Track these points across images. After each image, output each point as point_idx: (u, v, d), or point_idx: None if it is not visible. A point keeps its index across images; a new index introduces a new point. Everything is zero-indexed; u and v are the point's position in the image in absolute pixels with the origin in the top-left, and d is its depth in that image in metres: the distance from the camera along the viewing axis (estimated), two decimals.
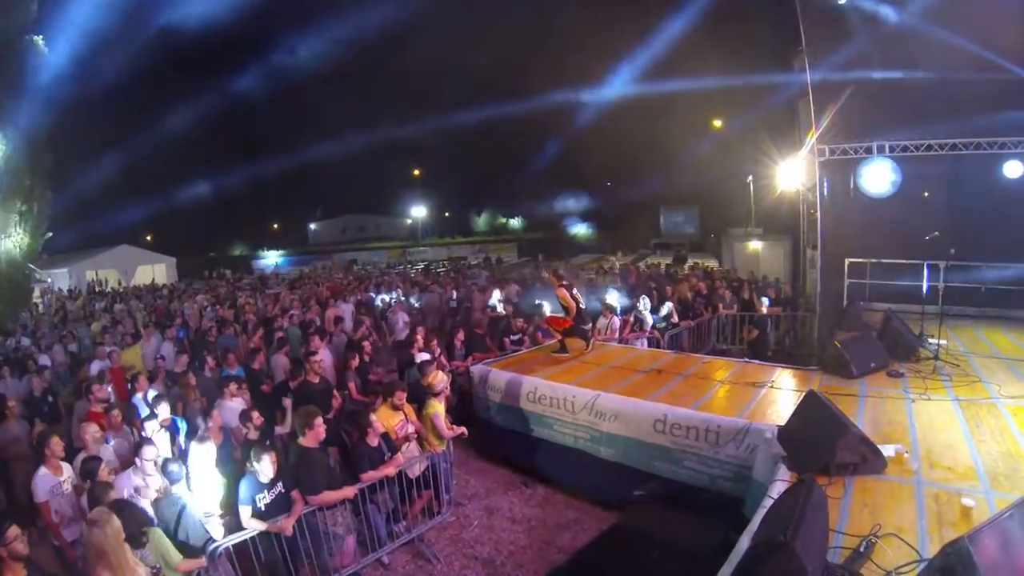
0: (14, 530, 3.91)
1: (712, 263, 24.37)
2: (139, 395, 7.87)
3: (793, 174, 14.71)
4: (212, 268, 44.53)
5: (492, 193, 64.33)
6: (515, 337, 10.81)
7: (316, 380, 7.90)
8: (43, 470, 5.49)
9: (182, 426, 7.06)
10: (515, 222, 68.86)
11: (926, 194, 12.83)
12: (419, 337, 9.36)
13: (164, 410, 6.85)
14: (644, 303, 11.42)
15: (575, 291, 9.45)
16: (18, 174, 19.01)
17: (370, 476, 5.84)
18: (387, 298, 17.01)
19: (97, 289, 31.15)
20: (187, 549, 4.71)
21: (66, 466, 5.64)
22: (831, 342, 8.43)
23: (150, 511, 5.00)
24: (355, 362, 8.72)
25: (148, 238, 51.23)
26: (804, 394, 5.64)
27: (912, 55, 11.35)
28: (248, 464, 5.33)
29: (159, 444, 6.02)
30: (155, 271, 38.72)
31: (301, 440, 5.53)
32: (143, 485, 5.25)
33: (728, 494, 6.00)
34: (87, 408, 7.30)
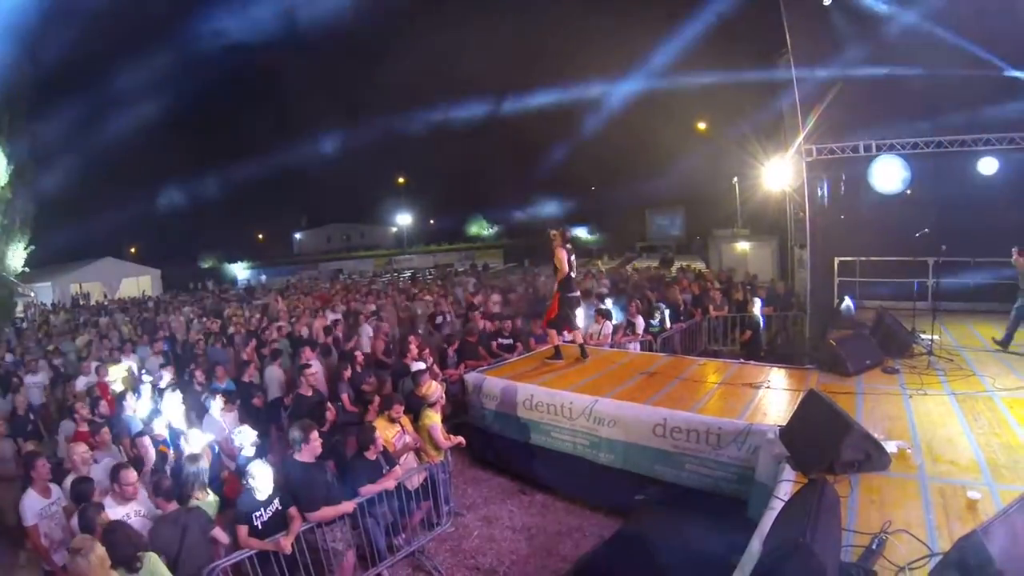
0: None
1: (699, 265, 24.42)
2: (129, 412, 7.71)
3: (779, 175, 14.76)
4: (198, 280, 44.17)
5: (477, 200, 64.27)
6: (505, 341, 10.74)
7: (310, 393, 7.82)
8: (31, 492, 5.34)
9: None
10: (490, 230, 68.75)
11: (909, 192, 12.92)
12: (413, 346, 9.28)
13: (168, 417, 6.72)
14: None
15: (572, 258, 9.22)
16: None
17: (369, 490, 5.74)
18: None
19: (81, 303, 30.79)
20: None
21: (55, 487, 5.50)
22: (825, 341, 8.45)
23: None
24: (347, 373, 8.62)
25: (132, 250, 50.83)
26: (805, 393, 5.64)
27: (898, 53, 11.41)
28: (244, 481, 5.23)
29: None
30: (140, 283, 38.34)
31: (297, 455, 5.41)
32: (125, 514, 5.02)
33: (731, 496, 5.97)
34: (73, 428, 7.16)
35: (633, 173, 45.25)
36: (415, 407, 7.00)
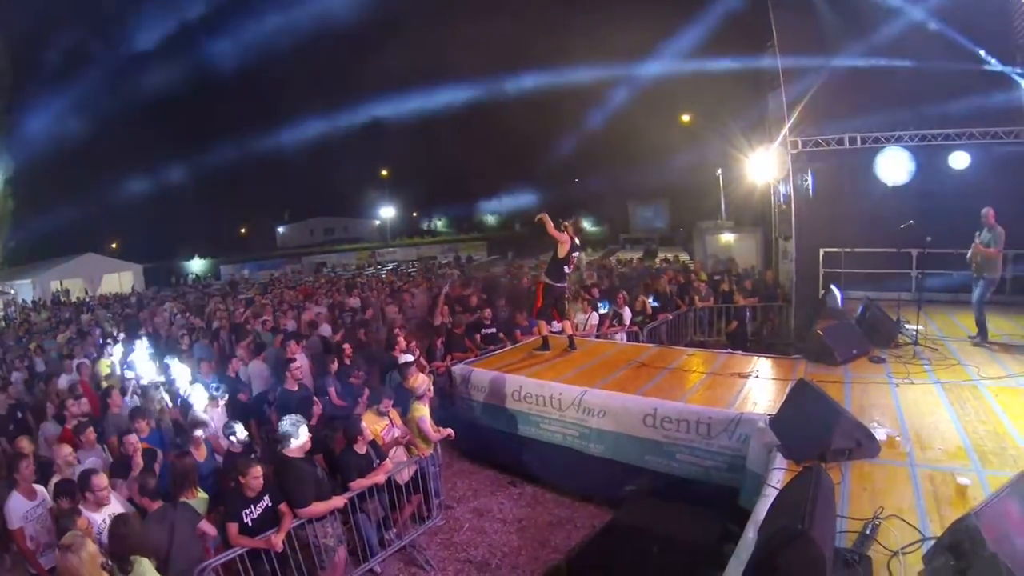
0: None
1: (683, 256, 24.47)
2: (115, 410, 7.60)
3: (764, 166, 14.82)
4: (179, 275, 43.84)
5: (457, 191, 64.03)
6: (488, 332, 10.71)
7: (295, 388, 7.76)
8: (15, 495, 5.23)
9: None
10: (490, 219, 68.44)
11: (889, 184, 13.03)
12: (400, 338, 9.23)
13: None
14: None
15: (575, 254, 9.05)
16: None
17: (359, 484, 5.71)
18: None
19: (62, 299, 30.42)
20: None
21: (40, 489, 5.38)
22: (812, 331, 8.50)
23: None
24: (334, 366, 8.56)
25: (113, 246, 50.24)
26: (795, 382, 5.70)
27: (884, 45, 11.49)
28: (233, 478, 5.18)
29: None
30: (121, 279, 37.93)
31: (286, 451, 5.35)
32: (102, 520, 4.85)
33: (722, 485, 5.99)
34: (54, 429, 7.05)
35: (617, 165, 45.33)
36: (403, 400, 6.97)
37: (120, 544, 4.08)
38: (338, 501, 5.46)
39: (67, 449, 5.69)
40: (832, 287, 11.10)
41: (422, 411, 6.76)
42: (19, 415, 8.56)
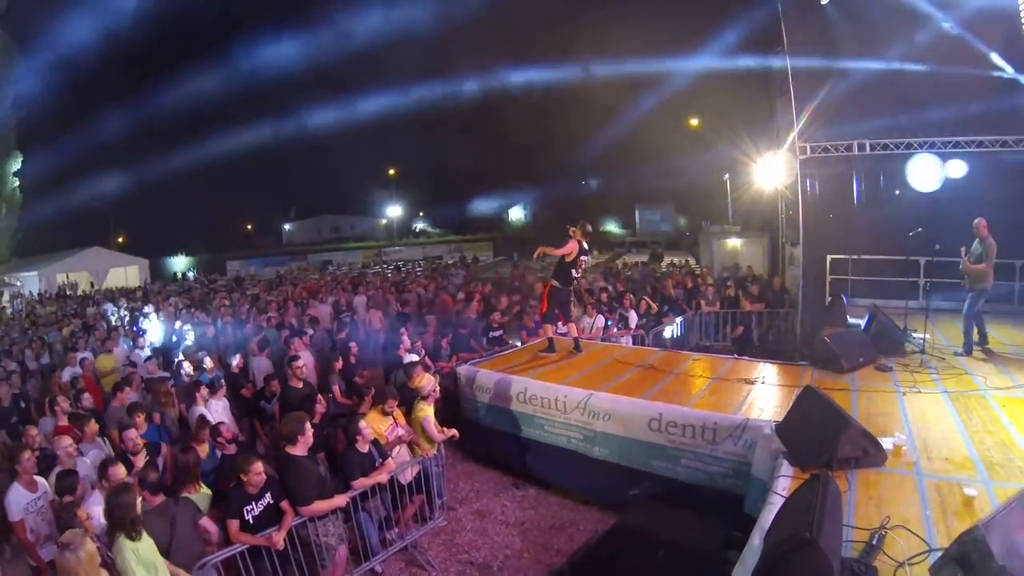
0: None
1: (691, 261, 24.45)
2: (117, 404, 7.60)
3: (772, 172, 14.78)
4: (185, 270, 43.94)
5: (462, 192, 64.02)
6: (495, 334, 10.70)
7: (299, 385, 7.74)
8: (16, 486, 5.24)
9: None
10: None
11: (897, 192, 12.98)
12: (405, 337, 9.22)
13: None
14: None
15: (583, 257, 9.02)
16: None
17: (362, 483, 5.68)
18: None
19: (68, 293, 30.49)
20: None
21: (41, 481, 5.41)
22: (818, 337, 8.46)
23: None
24: (339, 364, 8.55)
25: (120, 240, 50.38)
26: (801, 389, 5.66)
27: (895, 52, 11.45)
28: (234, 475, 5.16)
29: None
30: (127, 273, 38.00)
31: (290, 448, 5.31)
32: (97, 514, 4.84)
33: (727, 491, 5.96)
34: (52, 423, 7.05)
35: (623, 167, 45.26)
36: (408, 399, 6.96)
37: (123, 511, 4.08)
38: (340, 500, 5.42)
39: (67, 440, 5.71)
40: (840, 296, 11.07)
41: (427, 411, 6.73)
42: (22, 405, 8.55)
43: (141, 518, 4.21)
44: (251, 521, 4.96)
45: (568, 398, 7.31)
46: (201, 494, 5.38)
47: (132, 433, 5.96)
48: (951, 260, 8.71)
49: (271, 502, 5.11)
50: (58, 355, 11.97)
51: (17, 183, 19.98)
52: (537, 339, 10.01)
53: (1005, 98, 11.17)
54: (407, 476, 6.29)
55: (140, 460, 5.73)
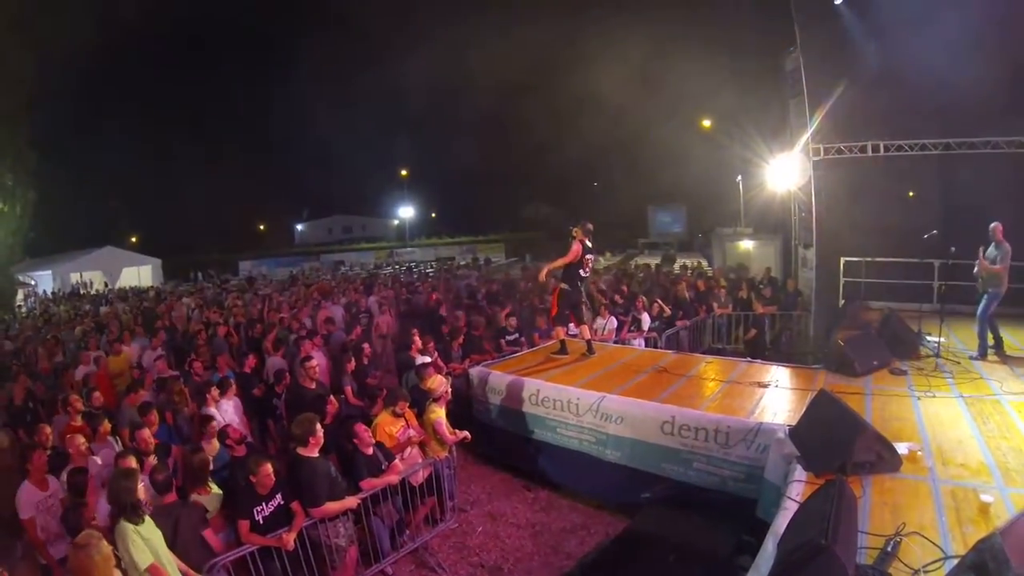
0: None
1: (703, 262, 24.34)
2: (130, 404, 7.63)
3: (785, 173, 14.70)
4: (198, 270, 44.13)
5: (480, 195, 64.22)
6: (511, 337, 10.68)
7: (312, 386, 7.75)
8: (27, 485, 5.28)
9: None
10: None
11: (911, 194, 12.89)
12: (416, 339, 9.22)
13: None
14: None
15: (588, 256, 8.97)
16: None
17: (371, 484, 5.68)
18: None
19: (82, 292, 30.73)
20: None
21: (52, 480, 5.44)
22: (832, 340, 8.40)
23: None
24: (351, 365, 8.56)
25: (133, 239, 50.76)
26: (815, 393, 5.62)
27: (908, 53, 11.35)
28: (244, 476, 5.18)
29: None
30: (140, 273, 38.30)
31: (301, 450, 5.32)
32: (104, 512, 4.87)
33: (739, 495, 5.93)
34: (65, 421, 7.09)
35: (637, 170, 45.23)
36: (420, 401, 6.95)
37: (123, 494, 4.12)
38: (351, 502, 5.43)
39: (80, 438, 5.76)
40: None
41: (438, 413, 6.73)
42: (31, 405, 8.60)
43: (143, 502, 4.23)
44: (261, 522, 4.98)
45: (581, 400, 7.28)
46: (212, 494, 5.40)
47: (145, 433, 5.98)
48: (966, 263, 8.63)
49: (281, 503, 5.12)
50: (71, 354, 12.04)
51: (31, 183, 20.11)
52: (549, 341, 9.98)
53: (1020, 99, 11.04)
54: (419, 478, 6.30)
55: (151, 460, 5.75)
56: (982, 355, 8.13)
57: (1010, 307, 8.97)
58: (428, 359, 8.47)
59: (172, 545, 4.53)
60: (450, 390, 7.12)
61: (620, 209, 48.63)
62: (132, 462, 5.16)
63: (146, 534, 4.16)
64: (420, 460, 6.47)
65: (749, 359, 8.85)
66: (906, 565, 3.40)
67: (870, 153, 12.77)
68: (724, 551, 5.08)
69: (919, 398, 6.46)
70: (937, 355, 7.88)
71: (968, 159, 11.85)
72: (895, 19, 11.76)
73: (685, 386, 7.58)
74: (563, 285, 8.98)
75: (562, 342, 9.23)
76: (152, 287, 31.83)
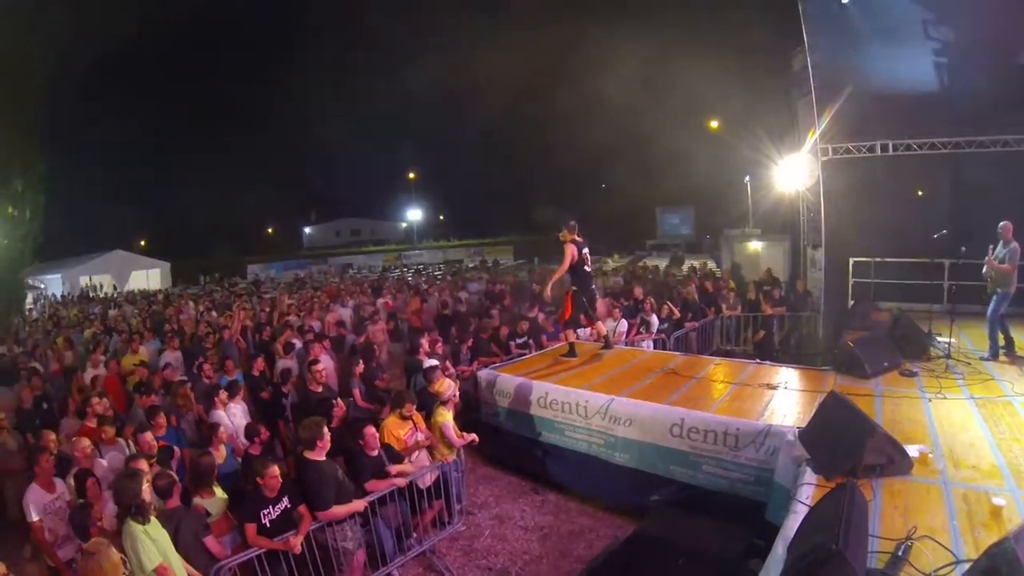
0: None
1: (710, 264, 24.28)
2: (140, 407, 7.64)
3: (793, 174, 14.63)
4: (206, 273, 44.33)
5: (488, 197, 64.28)
6: (520, 340, 10.66)
7: (319, 389, 7.75)
8: (35, 487, 5.30)
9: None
10: None
11: (920, 193, 12.81)
12: (425, 342, 9.21)
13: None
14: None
15: (585, 251, 9.08)
16: (9, 178, 18.81)
17: (376, 486, 5.68)
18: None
19: (91, 295, 30.89)
20: None
21: (59, 482, 5.47)
22: (842, 342, 8.35)
23: None
24: (359, 368, 8.55)
25: (142, 243, 51.06)
26: (826, 395, 5.59)
27: (917, 49, 11.31)
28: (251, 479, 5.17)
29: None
30: (149, 276, 38.51)
31: (308, 453, 5.32)
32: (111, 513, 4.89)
33: (749, 498, 5.89)
34: (74, 425, 7.11)
35: (644, 171, 45.07)
36: (428, 404, 6.94)
37: (127, 496, 4.12)
38: (358, 504, 5.41)
39: (85, 441, 5.78)
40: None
41: (446, 416, 6.71)
42: (45, 407, 8.63)
43: (149, 504, 4.23)
44: (268, 525, 4.97)
45: (589, 403, 7.26)
46: (217, 497, 5.40)
47: (147, 436, 6.01)
48: (976, 263, 8.57)
49: (288, 506, 5.11)
50: (80, 357, 12.08)
51: (41, 187, 20.22)
52: (558, 343, 9.96)
53: None
54: (426, 481, 6.27)
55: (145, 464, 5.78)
56: (993, 356, 8.07)
57: (1021, 307, 8.90)
58: (435, 362, 8.45)
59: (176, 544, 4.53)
60: (458, 393, 7.11)
61: (628, 211, 48.61)
62: (143, 464, 5.18)
63: (154, 535, 4.16)
64: (428, 463, 6.45)
65: (758, 361, 8.81)
66: (917, 569, 3.35)
67: (879, 153, 12.69)
68: (734, 554, 5.04)
69: (930, 400, 6.41)
70: (948, 356, 7.82)
71: (978, 158, 11.73)
72: (903, 17, 11.70)
73: (694, 388, 7.54)
74: (574, 288, 9.00)
75: (571, 345, 9.21)
76: (161, 290, 31.99)
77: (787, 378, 7.70)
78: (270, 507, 5.01)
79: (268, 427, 7.96)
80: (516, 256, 48.92)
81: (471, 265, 37.82)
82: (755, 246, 20.82)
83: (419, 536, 6.26)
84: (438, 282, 23.66)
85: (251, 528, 4.91)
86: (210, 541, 4.93)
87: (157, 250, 45.17)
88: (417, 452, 6.41)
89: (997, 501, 4.03)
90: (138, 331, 13.16)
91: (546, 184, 55.81)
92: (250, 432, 6.33)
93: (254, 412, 7.92)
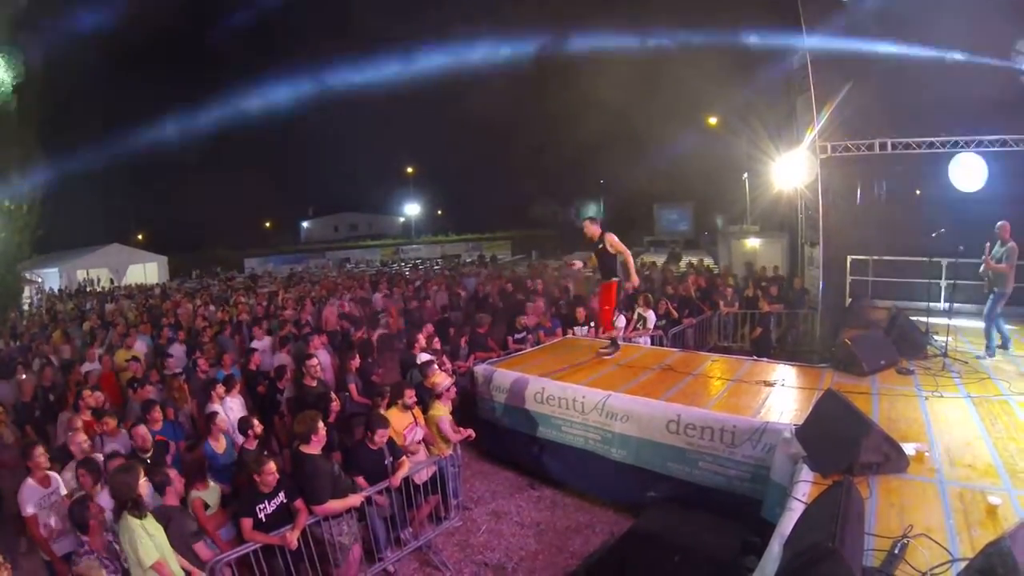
0: None
1: (708, 261, 24.31)
2: (136, 400, 7.64)
3: (791, 171, 14.62)
4: (203, 267, 44.25)
5: (484, 192, 64.11)
6: (519, 335, 10.66)
7: (314, 384, 7.73)
8: (29, 482, 5.27)
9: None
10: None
11: (918, 191, 12.81)
12: (421, 337, 9.19)
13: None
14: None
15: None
16: (7, 171, 18.76)
17: (365, 483, 5.69)
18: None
19: (88, 289, 30.83)
20: None
21: (55, 476, 5.44)
22: (839, 339, 8.35)
23: None
24: (355, 363, 8.53)
25: (139, 237, 50.95)
26: (823, 392, 5.59)
27: (918, 47, 11.29)
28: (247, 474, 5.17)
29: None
30: (146, 270, 38.46)
31: (304, 447, 5.31)
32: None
33: (745, 495, 5.89)
34: (70, 418, 7.09)
35: (642, 168, 45.00)
36: (424, 398, 6.93)
37: (122, 490, 4.14)
38: (354, 499, 5.41)
39: (82, 436, 5.77)
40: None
41: (442, 411, 6.72)
42: (49, 399, 8.60)
43: (143, 498, 4.23)
44: (264, 520, 4.97)
45: (586, 399, 7.25)
46: (209, 489, 5.39)
47: (142, 430, 6.02)
48: (974, 262, 8.57)
49: (284, 501, 5.11)
50: (78, 350, 12.06)
51: (39, 180, 20.15)
52: (554, 340, 9.94)
53: None
54: (422, 476, 6.26)
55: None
56: (990, 355, 8.07)
57: (1018, 306, 8.92)
58: (431, 356, 8.44)
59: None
60: (454, 387, 7.10)
61: (626, 207, 48.57)
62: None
63: (151, 529, 4.16)
64: (424, 458, 6.45)
65: (755, 358, 8.82)
66: (913, 568, 3.35)
67: (877, 151, 12.70)
68: (729, 551, 5.04)
69: (926, 398, 6.40)
70: (944, 355, 7.80)
71: (978, 156, 11.73)
72: (902, 15, 11.68)
73: (691, 385, 7.54)
74: (616, 278, 8.72)
75: (613, 340, 9.12)
76: (158, 284, 31.94)
77: (784, 375, 7.68)
78: (266, 502, 5.01)
79: (264, 422, 8.01)
80: (514, 251, 48.92)
81: (469, 260, 37.77)
82: (753, 243, 20.83)
83: (415, 531, 6.26)
84: (435, 276, 23.63)
85: (247, 523, 4.91)
86: (200, 548, 4.93)
87: (155, 244, 45.09)
88: (415, 451, 6.40)
89: (993, 500, 4.03)
90: (135, 324, 13.16)
91: (544, 179, 55.65)
92: (243, 425, 6.30)
93: (250, 407, 7.90)
